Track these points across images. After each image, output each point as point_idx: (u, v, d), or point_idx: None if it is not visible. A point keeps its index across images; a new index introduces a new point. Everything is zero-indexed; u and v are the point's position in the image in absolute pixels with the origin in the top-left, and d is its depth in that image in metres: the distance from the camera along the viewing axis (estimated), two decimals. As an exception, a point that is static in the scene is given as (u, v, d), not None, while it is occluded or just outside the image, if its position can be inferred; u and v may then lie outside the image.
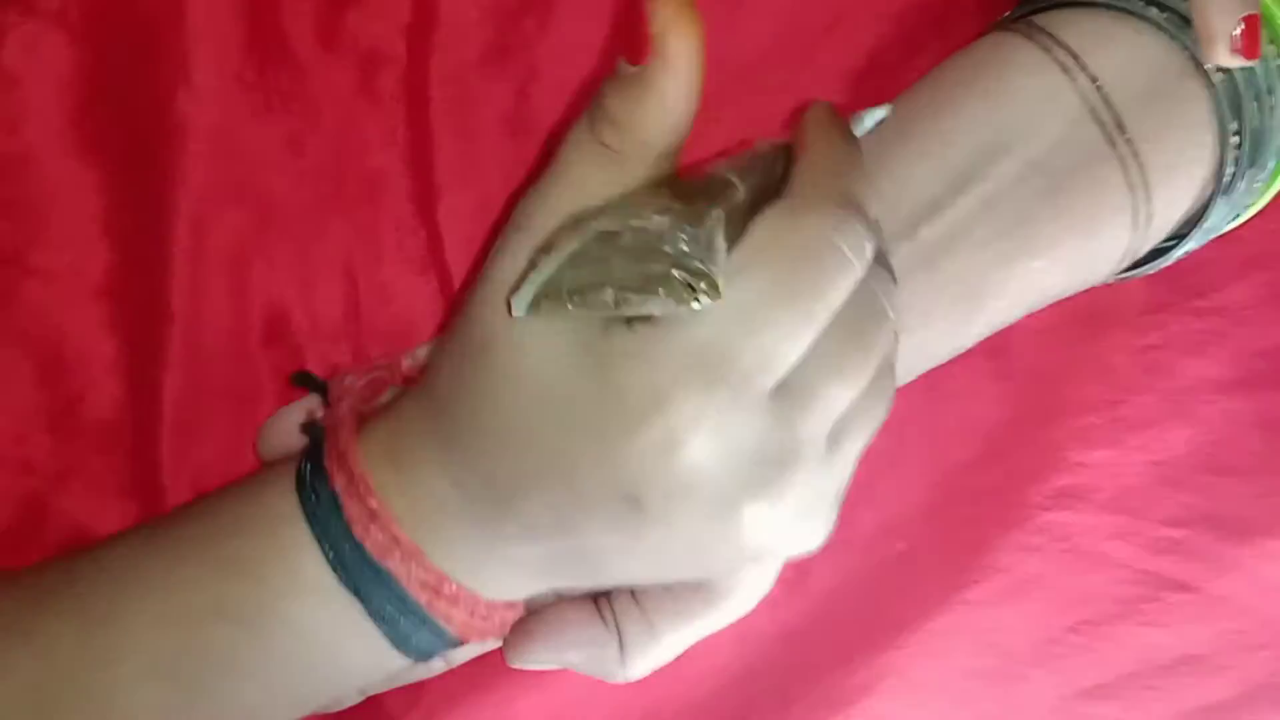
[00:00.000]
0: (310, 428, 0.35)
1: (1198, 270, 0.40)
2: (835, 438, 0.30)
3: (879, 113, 0.34)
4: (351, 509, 0.32)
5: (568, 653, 0.36)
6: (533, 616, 0.37)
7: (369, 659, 0.33)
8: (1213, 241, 0.38)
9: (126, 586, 0.32)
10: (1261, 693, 0.41)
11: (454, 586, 0.32)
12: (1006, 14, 0.38)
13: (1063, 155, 0.35)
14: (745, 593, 0.35)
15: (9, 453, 0.38)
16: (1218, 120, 0.35)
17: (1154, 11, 0.35)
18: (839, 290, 0.29)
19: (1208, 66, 0.34)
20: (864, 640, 0.41)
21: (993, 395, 0.41)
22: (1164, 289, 0.41)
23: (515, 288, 0.29)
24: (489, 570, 0.32)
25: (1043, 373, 0.41)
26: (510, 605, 0.34)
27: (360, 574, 0.32)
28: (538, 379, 0.29)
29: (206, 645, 0.32)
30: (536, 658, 0.36)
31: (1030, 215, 0.35)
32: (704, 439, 0.28)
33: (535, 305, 0.29)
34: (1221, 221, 0.37)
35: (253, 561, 0.32)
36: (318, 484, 0.32)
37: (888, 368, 0.31)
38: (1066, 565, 0.41)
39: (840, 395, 0.29)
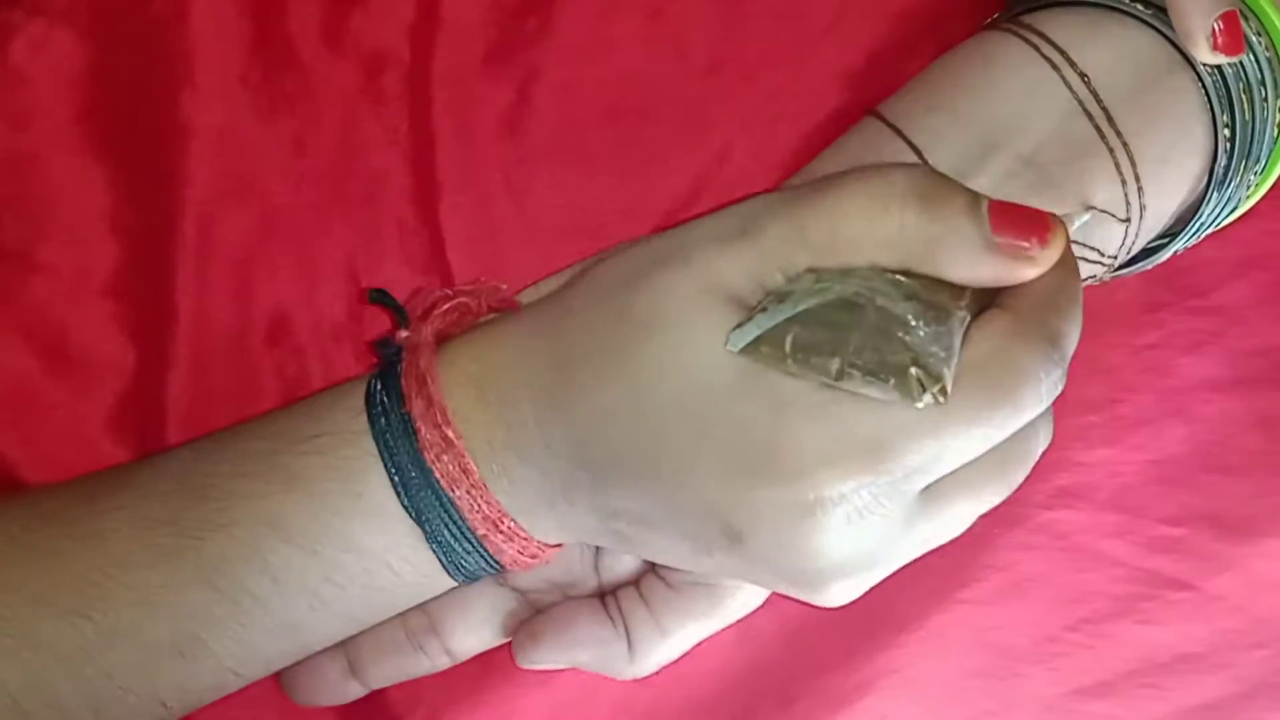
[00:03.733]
0: (383, 346, 0.34)
1: (1196, 270, 0.40)
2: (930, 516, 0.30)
3: (1084, 217, 0.34)
4: (426, 434, 0.31)
5: (576, 652, 0.36)
6: (540, 618, 0.37)
7: (419, 580, 0.33)
8: (1210, 241, 0.39)
9: (182, 490, 0.32)
10: (1259, 691, 0.41)
11: (512, 523, 0.32)
12: (996, 15, 0.38)
13: (1054, 149, 0.35)
14: (751, 591, 0.35)
15: (13, 448, 0.38)
16: (1208, 113, 0.35)
17: (1141, 8, 0.35)
18: (1021, 423, 0.29)
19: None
20: (864, 639, 0.41)
21: (992, 394, 0.41)
22: (1162, 288, 0.41)
23: (739, 325, 0.29)
24: (546, 521, 0.32)
25: (1042, 371, 0.41)
26: (558, 545, 0.34)
27: (424, 500, 0.31)
28: (693, 383, 0.29)
29: (262, 560, 0.31)
30: (545, 658, 0.36)
31: None
32: (843, 516, 0.28)
33: (754, 349, 0.28)
34: (1216, 216, 0.37)
35: (315, 480, 0.31)
36: (390, 404, 0.32)
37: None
38: (1065, 564, 0.41)
39: (966, 517, 0.30)
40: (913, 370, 0.27)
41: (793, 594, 0.31)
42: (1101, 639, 0.41)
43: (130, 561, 0.31)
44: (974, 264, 0.29)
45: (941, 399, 0.27)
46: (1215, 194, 0.36)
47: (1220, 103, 0.35)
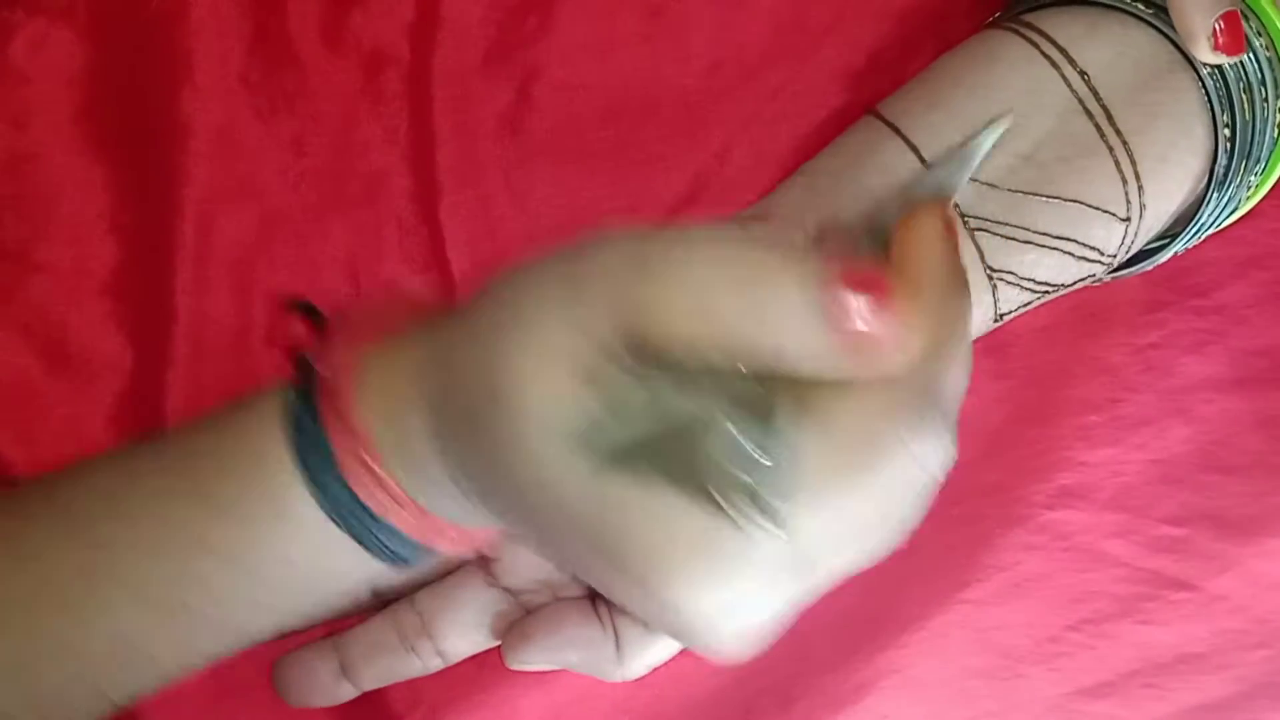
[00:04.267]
0: (298, 358, 0.33)
1: (1197, 269, 0.40)
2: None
3: (999, 127, 0.32)
4: (350, 469, 0.30)
5: (565, 653, 0.36)
6: (530, 618, 0.37)
7: (362, 575, 0.33)
8: (1212, 241, 0.39)
9: (116, 515, 0.32)
10: (1260, 691, 0.41)
11: (443, 523, 0.31)
12: (997, 14, 0.38)
13: (1053, 147, 0.35)
14: None
15: (12, 447, 0.38)
16: (1208, 113, 0.35)
17: (1141, 7, 0.35)
18: (904, 502, 0.26)
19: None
20: (865, 639, 0.41)
21: (993, 394, 0.41)
22: (1164, 288, 0.41)
23: (575, 432, 0.26)
24: (472, 519, 0.32)
25: (1043, 371, 0.41)
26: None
27: (357, 523, 0.30)
28: (540, 477, 0.26)
29: (196, 576, 0.31)
30: (534, 659, 0.36)
31: (1020, 208, 0.35)
32: (720, 606, 0.26)
33: (587, 449, 0.26)
34: (1216, 217, 0.37)
35: (240, 502, 0.31)
36: (307, 423, 0.31)
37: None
38: (1067, 564, 0.41)
39: (847, 563, 0.27)
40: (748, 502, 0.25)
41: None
42: (1103, 639, 0.41)
43: (66, 584, 0.31)
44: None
45: (780, 533, 0.25)
46: (1215, 194, 0.36)
47: (1220, 102, 0.35)
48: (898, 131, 0.36)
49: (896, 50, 0.40)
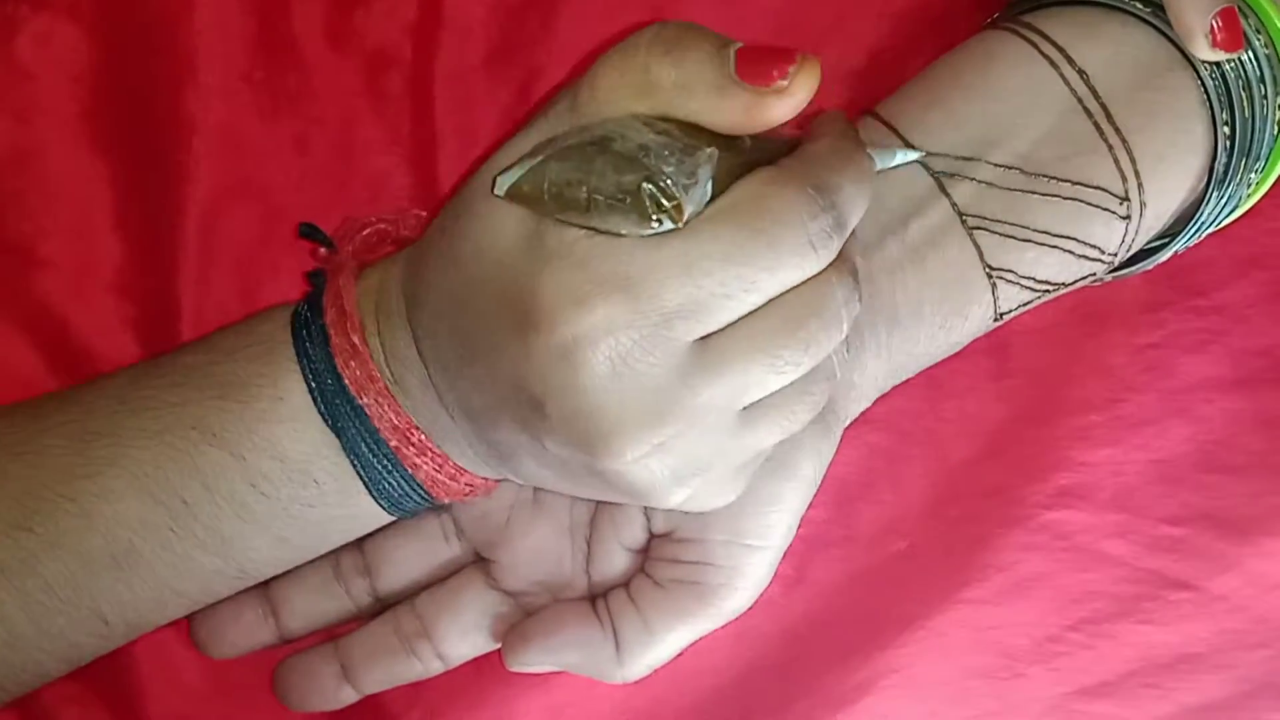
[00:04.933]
0: (312, 275, 0.36)
1: (1198, 269, 0.40)
2: (750, 419, 0.30)
3: (910, 155, 0.34)
4: (338, 341, 0.33)
5: (564, 654, 0.36)
6: (529, 620, 0.37)
7: (344, 501, 0.34)
8: (1212, 240, 0.39)
9: (123, 405, 0.33)
10: (1260, 691, 0.41)
11: (421, 436, 0.33)
12: (996, 15, 0.38)
13: (1052, 146, 0.35)
14: (742, 593, 0.35)
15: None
16: (1207, 111, 0.35)
17: (1140, 6, 0.35)
18: (790, 271, 0.28)
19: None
20: (864, 639, 0.41)
21: (993, 394, 0.41)
22: (1164, 287, 0.41)
23: (505, 169, 0.29)
24: (444, 436, 0.33)
25: (1043, 371, 0.41)
26: (483, 478, 0.35)
27: (338, 408, 0.33)
28: (491, 256, 0.30)
29: (193, 465, 0.33)
30: (534, 660, 0.36)
31: (1020, 207, 0.35)
32: (606, 358, 0.28)
33: (517, 190, 0.29)
34: (1216, 215, 0.37)
35: (241, 384, 0.33)
36: (312, 318, 0.33)
37: (826, 374, 0.31)
38: (1067, 564, 0.41)
39: (760, 379, 0.29)
40: (645, 187, 0.27)
41: (612, 474, 0.30)
42: (1103, 639, 0.41)
43: (70, 474, 0.33)
44: (720, 102, 0.29)
45: (676, 218, 0.28)
46: (1215, 193, 0.36)
47: (1220, 101, 0.35)
48: (895, 131, 0.36)
49: (896, 50, 0.41)
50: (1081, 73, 0.35)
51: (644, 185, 0.28)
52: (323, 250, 0.38)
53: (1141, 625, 0.41)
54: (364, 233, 0.37)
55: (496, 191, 0.29)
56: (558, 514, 0.38)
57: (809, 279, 0.29)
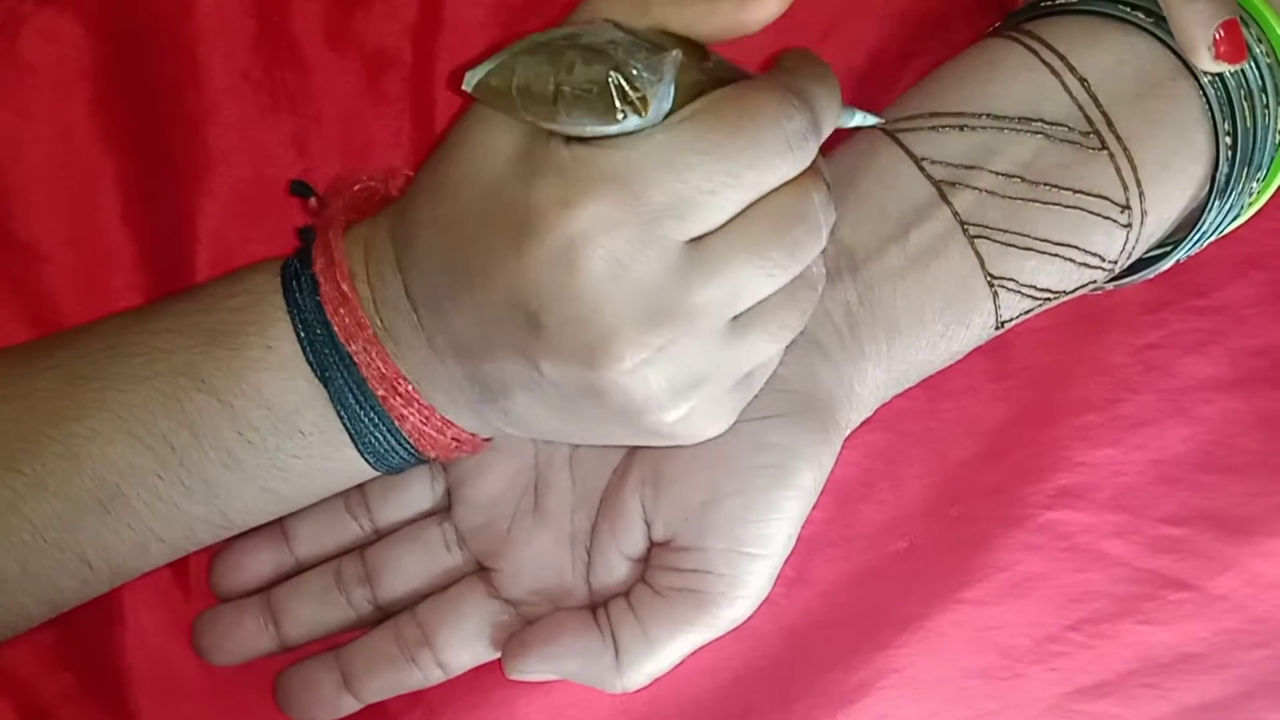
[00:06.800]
0: (303, 231, 0.37)
1: (1197, 269, 0.40)
2: (742, 327, 0.30)
3: (870, 119, 0.34)
4: (326, 289, 0.33)
5: (564, 662, 0.36)
6: (529, 628, 0.37)
7: (330, 453, 0.34)
8: (1212, 241, 0.39)
9: (113, 349, 0.34)
10: (1260, 691, 0.41)
11: (409, 387, 0.33)
12: (997, 24, 0.38)
13: (1053, 155, 0.35)
14: (741, 602, 0.35)
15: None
16: (1209, 120, 0.35)
17: (1142, 16, 0.35)
18: (773, 170, 0.29)
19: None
20: (864, 639, 0.41)
21: (992, 394, 0.41)
22: (1164, 288, 0.41)
23: (474, 64, 0.30)
24: (433, 384, 0.33)
25: (1042, 371, 0.41)
26: (470, 433, 0.35)
27: (326, 356, 0.33)
28: (483, 179, 0.30)
29: (181, 411, 0.33)
30: (533, 668, 0.36)
31: (1021, 215, 0.35)
32: (601, 260, 0.28)
33: (484, 85, 0.29)
34: (1219, 223, 0.37)
35: (231, 332, 0.33)
36: (302, 268, 0.34)
37: (810, 283, 0.32)
38: (1066, 564, 0.41)
39: (752, 280, 0.30)
40: (612, 76, 0.28)
41: (609, 388, 0.30)
42: (1102, 639, 0.41)
43: (59, 416, 0.33)
44: (693, 8, 0.30)
45: (642, 111, 0.28)
46: (1217, 202, 0.36)
47: (1221, 110, 0.35)
48: (895, 139, 0.36)
49: (896, 51, 0.41)
50: (1083, 81, 0.35)
51: (611, 74, 0.28)
52: (312, 202, 0.38)
53: (1141, 625, 0.41)
54: (354, 189, 0.37)
55: (465, 86, 0.29)
56: (558, 523, 0.38)
57: (788, 186, 0.30)
